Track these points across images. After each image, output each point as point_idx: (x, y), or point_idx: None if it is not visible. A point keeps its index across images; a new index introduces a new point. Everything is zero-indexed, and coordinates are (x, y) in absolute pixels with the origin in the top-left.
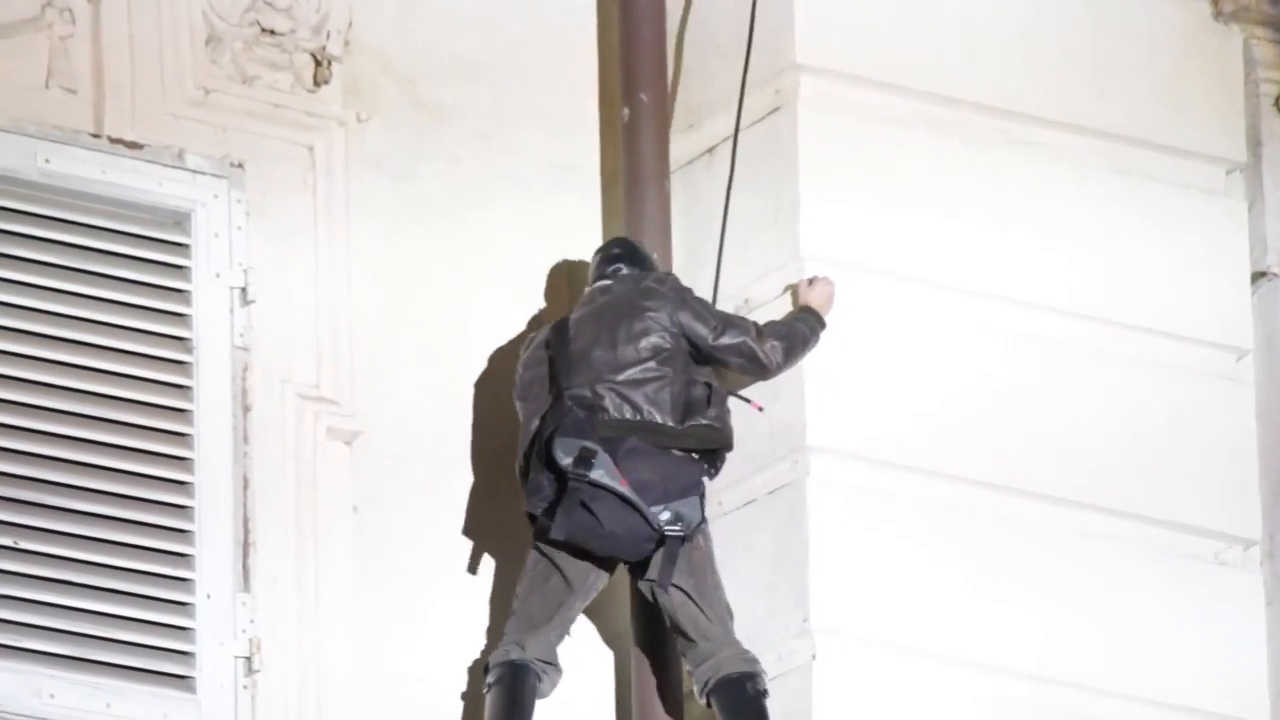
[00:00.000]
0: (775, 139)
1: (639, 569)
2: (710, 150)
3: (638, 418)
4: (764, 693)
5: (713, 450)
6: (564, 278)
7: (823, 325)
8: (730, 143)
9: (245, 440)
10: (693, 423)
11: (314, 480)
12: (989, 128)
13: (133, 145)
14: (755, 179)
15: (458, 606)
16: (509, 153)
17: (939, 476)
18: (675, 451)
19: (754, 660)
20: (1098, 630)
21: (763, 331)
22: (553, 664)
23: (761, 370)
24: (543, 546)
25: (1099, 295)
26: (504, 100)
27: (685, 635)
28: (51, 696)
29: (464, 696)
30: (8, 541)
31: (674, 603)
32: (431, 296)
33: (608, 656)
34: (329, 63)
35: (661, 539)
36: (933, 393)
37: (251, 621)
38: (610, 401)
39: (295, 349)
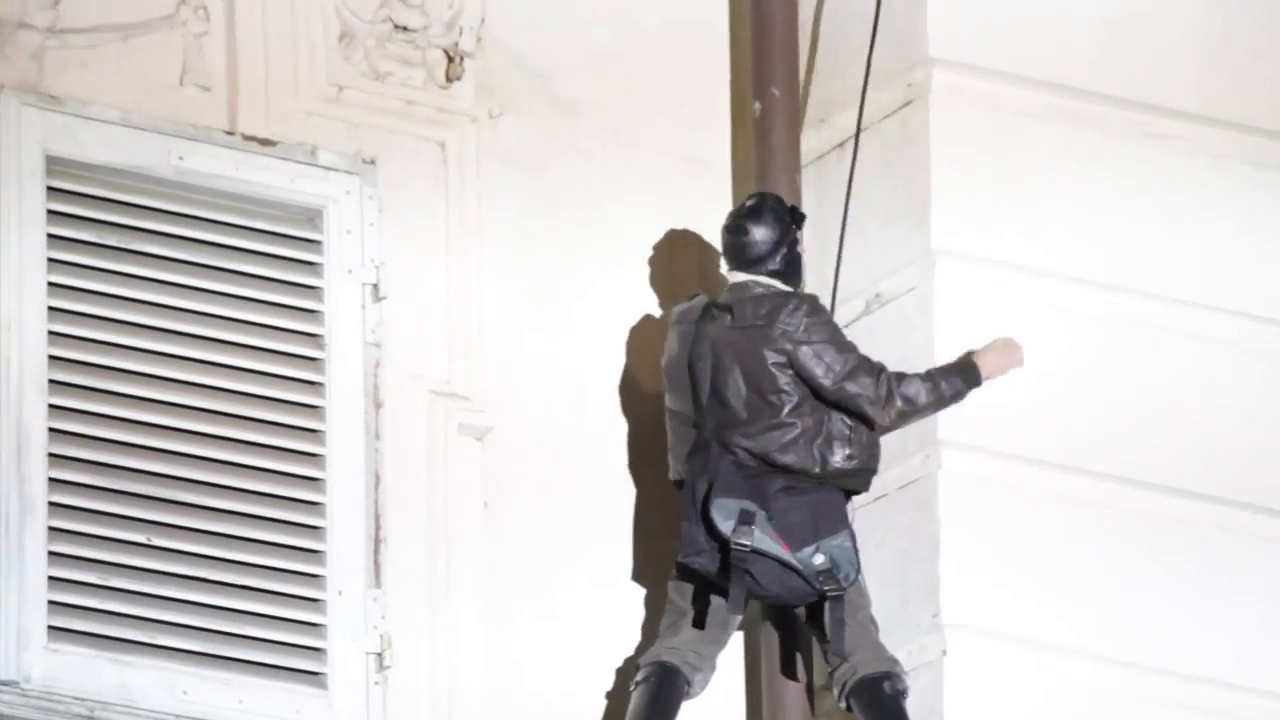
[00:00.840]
0: (907, 132)
1: None
2: (841, 144)
3: (771, 465)
4: (903, 692)
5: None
6: (696, 270)
7: (976, 384)
8: (863, 136)
9: (377, 436)
10: (835, 466)
11: (445, 476)
12: (1122, 120)
13: (265, 142)
14: (887, 172)
15: (589, 603)
16: (640, 147)
17: (1070, 470)
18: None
19: (892, 660)
20: (1231, 624)
21: (891, 386)
22: (703, 668)
23: (870, 424)
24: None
25: (1231, 287)
26: (635, 94)
27: (832, 647)
28: (185, 693)
29: (608, 695)
30: (142, 539)
31: (843, 620)
32: (563, 291)
33: (737, 644)
34: (461, 59)
35: (822, 598)
36: (1065, 387)
37: (383, 618)
38: (749, 449)
39: (427, 345)
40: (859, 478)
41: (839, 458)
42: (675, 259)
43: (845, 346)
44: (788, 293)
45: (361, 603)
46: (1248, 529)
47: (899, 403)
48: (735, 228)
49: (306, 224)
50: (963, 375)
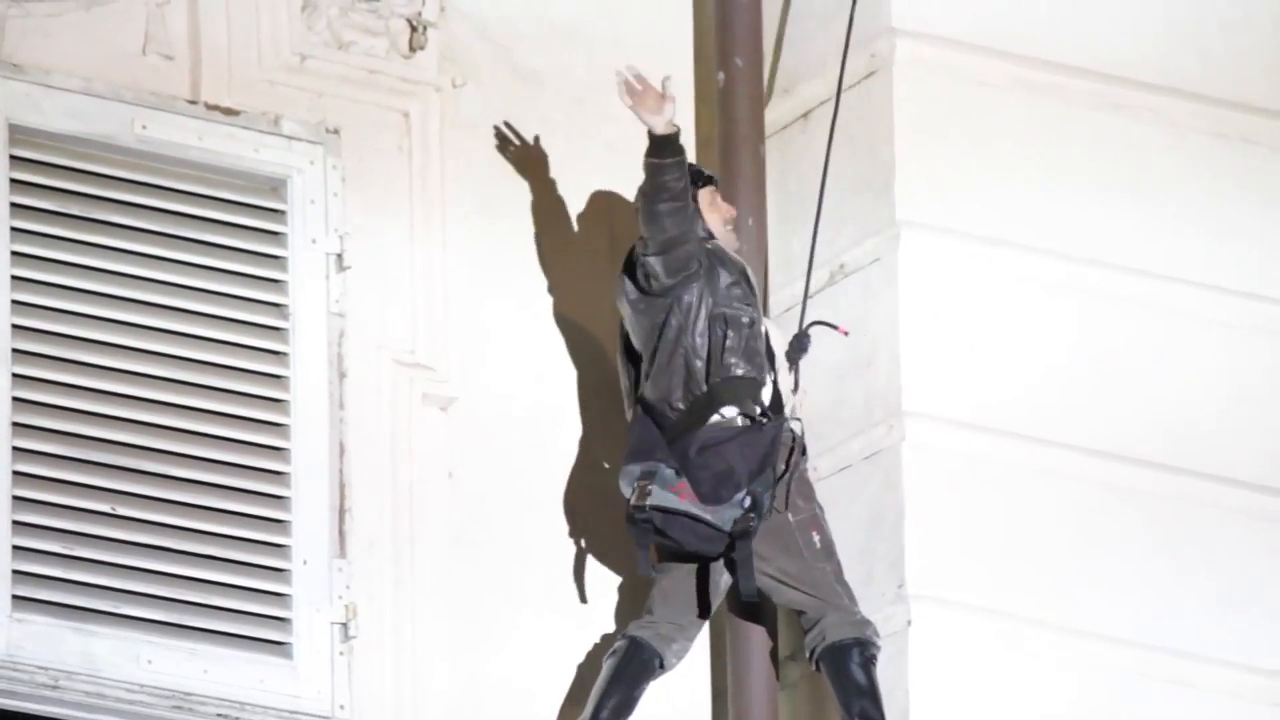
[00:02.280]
0: (871, 103)
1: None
2: (805, 115)
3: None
4: (872, 658)
5: (768, 407)
6: None
7: (658, 152)
8: (826, 107)
9: (341, 406)
10: (720, 378)
11: (410, 446)
12: (1086, 91)
13: (229, 111)
14: (850, 144)
15: (552, 573)
16: (604, 118)
17: (1034, 441)
18: (740, 423)
19: (863, 623)
20: (1193, 595)
21: (637, 251)
22: (679, 638)
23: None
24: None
25: (1195, 259)
26: (599, 65)
27: (799, 608)
28: (149, 662)
29: (566, 665)
30: (106, 508)
31: (766, 591)
32: (527, 261)
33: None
34: (424, 28)
35: (733, 541)
36: (1028, 357)
37: (348, 587)
38: (654, 402)
39: (391, 315)
40: (748, 385)
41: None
42: (638, 229)
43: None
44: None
45: (326, 573)
46: (1210, 500)
47: (643, 229)
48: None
49: (270, 193)
50: (647, 160)
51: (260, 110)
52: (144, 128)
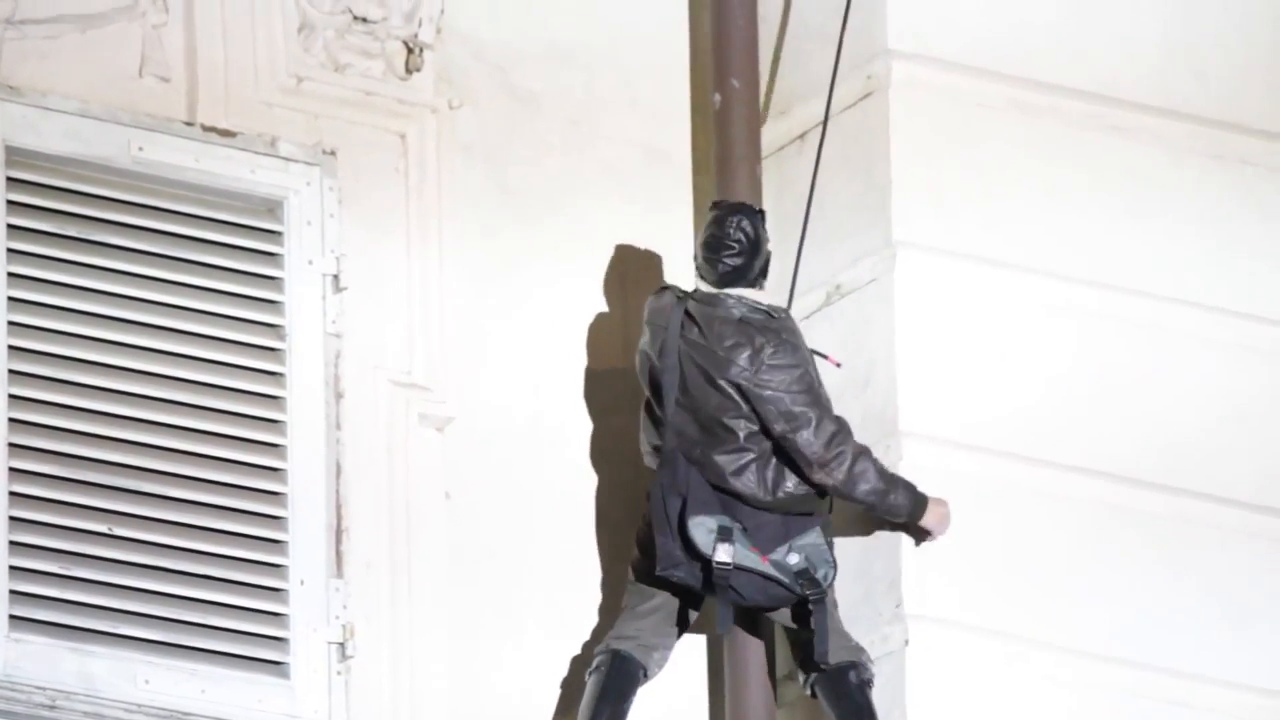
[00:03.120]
0: (867, 124)
1: None
2: (802, 136)
3: (732, 490)
4: (868, 681)
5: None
6: (656, 262)
7: (915, 518)
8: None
9: (338, 427)
10: (786, 492)
11: (406, 466)
12: (1082, 112)
13: (225, 133)
14: (847, 164)
15: (550, 593)
16: (600, 139)
17: (1031, 461)
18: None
19: (858, 648)
20: (1188, 615)
21: (843, 452)
22: (660, 647)
23: (811, 481)
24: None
25: (1192, 280)
26: (596, 86)
27: (792, 640)
28: (146, 682)
29: (563, 684)
30: (103, 528)
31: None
32: (523, 282)
33: (700, 640)
34: (421, 50)
35: (803, 603)
36: (1024, 378)
37: (345, 607)
38: (711, 471)
39: (387, 336)
40: (810, 502)
41: (790, 484)
42: (635, 251)
43: (804, 392)
44: (759, 324)
45: (323, 592)
46: (1207, 520)
47: (841, 474)
48: (714, 244)
49: (267, 215)
50: (912, 500)
51: (257, 132)
52: (140, 149)
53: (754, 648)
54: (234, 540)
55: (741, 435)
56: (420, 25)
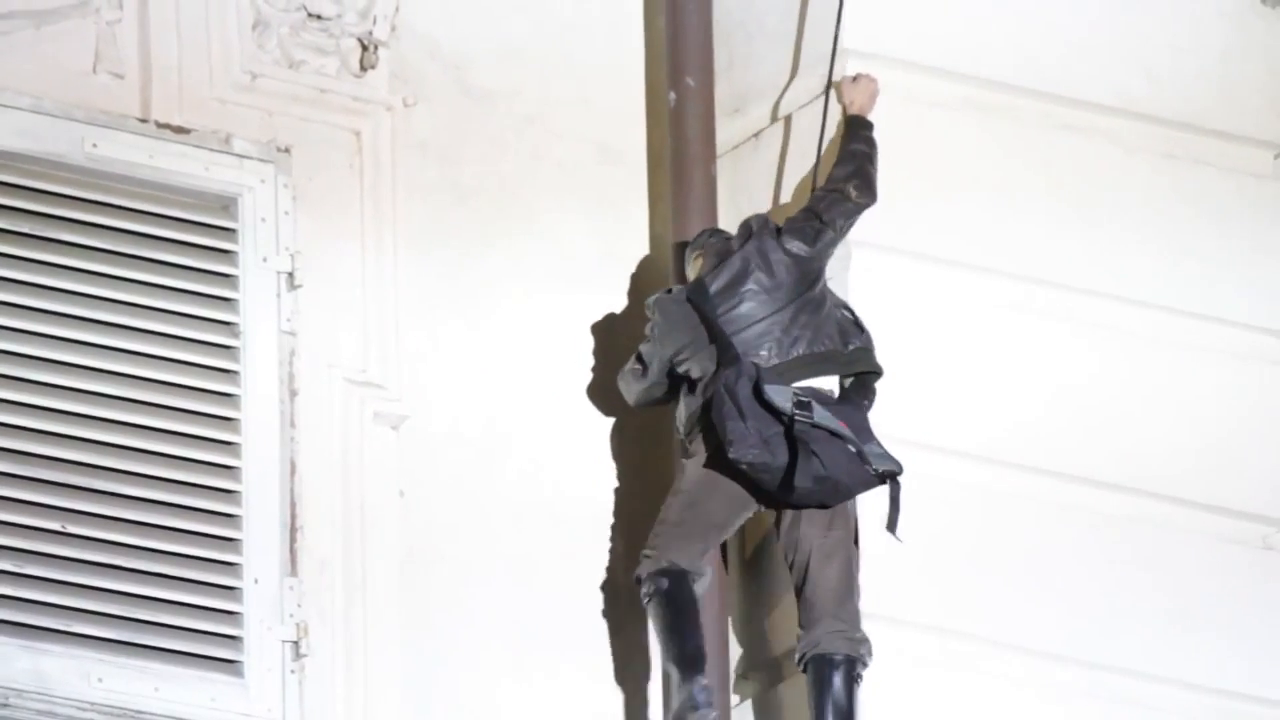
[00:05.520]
0: (820, 123)
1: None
2: (756, 134)
3: (811, 352)
4: (858, 678)
5: (868, 386)
6: (610, 259)
7: (871, 126)
8: (777, 126)
9: (292, 425)
10: (853, 346)
11: (361, 464)
12: (1036, 112)
13: (179, 130)
14: (803, 162)
15: (503, 591)
16: (555, 137)
17: (987, 462)
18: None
19: (859, 641)
20: (1144, 615)
21: (842, 187)
22: (705, 571)
23: (862, 210)
24: (712, 472)
25: (1144, 280)
26: (550, 84)
27: (809, 593)
28: (99, 680)
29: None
30: (56, 526)
31: (828, 548)
32: (478, 280)
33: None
34: (375, 47)
35: (882, 480)
36: (977, 377)
37: (299, 606)
38: (774, 348)
39: (342, 333)
40: (873, 359)
41: (853, 340)
42: (589, 248)
43: (805, 212)
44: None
45: (278, 591)
46: (1159, 520)
47: (852, 184)
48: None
49: (221, 212)
50: (860, 139)
51: (211, 129)
52: (94, 146)
53: (711, 645)
54: (188, 538)
55: (804, 295)
56: (375, 23)
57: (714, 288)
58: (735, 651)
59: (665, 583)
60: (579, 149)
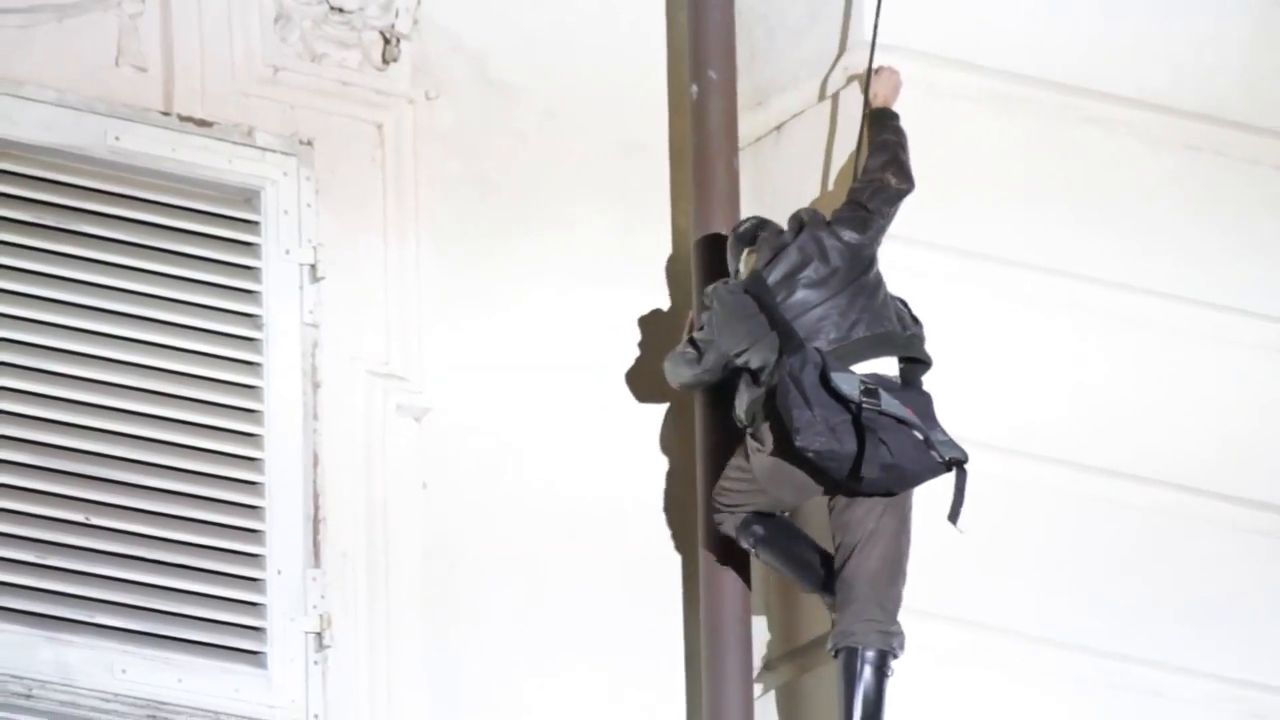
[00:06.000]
0: (845, 115)
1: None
2: (778, 127)
3: (873, 335)
4: (889, 671)
5: (918, 379)
6: (633, 251)
7: (897, 116)
8: (799, 119)
9: (315, 417)
10: (910, 332)
11: (384, 456)
12: (1059, 104)
13: (202, 123)
14: (825, 155)
15: (526, 582)
16: (577, 130)
17: (1006, 452)
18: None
19: (893, 635)
20: (1166, 606)
21: (880, 176)
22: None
23: (905, 196)
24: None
25: (1167, 272)
26: (572, 78)
27: (851, 576)
28: (123, 671)
29: (537, 674)
30: (80, 518)
31: (879, 534)
32: (500, 273)
33: (677, 633)
34: (397, 40)
35: (948, 468)
36: (1001, 369)
37: (322, 597)
38: (833, 334)
39: (364, 326)
40: (922, 347)
41: (909, 329)
42: (611, 241)
43: (851, 203)
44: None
45: (300, 582)
46: (1181, 511)
47: (890, 173)
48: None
49: (244, 205)
50: (889, 129)
51: (233, 122)
52: (117, 139)
53: (732, 645)
54: (211, 530)
55: (860, 282)
56: (397, 16)
57: (772, 279)
58: (760, 642)
59: (760, 530)
60: (601, 142)
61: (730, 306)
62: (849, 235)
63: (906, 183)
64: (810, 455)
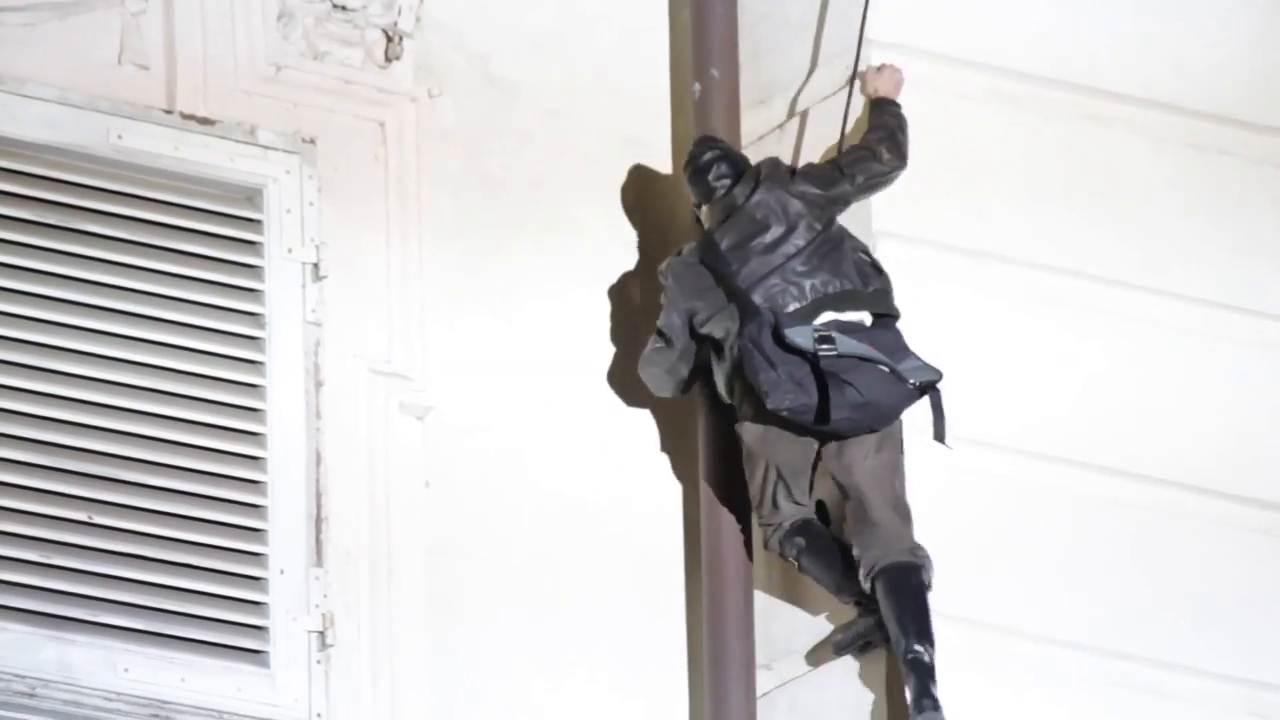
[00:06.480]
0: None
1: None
2: (781, 126)
3: (831, 290)
4: (928, 585)
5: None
6: (635, 249)
7: (899, 105)
8: (800, 117)
9: (318, 416)
10: (873, 288)
11: (386, 455)
12: (1061, 102)
13: (205, 121)
14: (827, 153)
15: (528, 582)
16: (580, 128)
17: (1010, 451)
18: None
19: (925, 557)
20: (1172, 605)
21: (872, 147)
22: (810, 513)
23: (894, 177)
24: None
25: (1170, 271)
26: (575, 76)
27: (865, 515)
28: (126, 670)
29: (542, 673)
30: (83, 516)
31: (878, 470)
32: (503, 271)
33: (680, 632)
34: (400, 39)
35: (922, 392)
36: (1004, 367)
37: (325, 596)
38: (794, 294)
39: (367, 324)
40: (891, 302)
41: (873, 282)
42: (614, 239)
43: (831, 162)
44: (765, 161)
45: (303, 581)
46: (1185, 510)
47: (884, 148)
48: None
49: (246, 203)
50: (890, 113)
51: (236, 120)
52: (119, 137)
53: (733, 643)
54: (214, 529)
55: (822, 237)
56: (400, 14)
57: (725, 244)
58: (762, 642)
59: (802, 541)
60: (604, 140)
61: (685, 281)
62: (807, 188)
63: (899, 159)
64: (784, 413)
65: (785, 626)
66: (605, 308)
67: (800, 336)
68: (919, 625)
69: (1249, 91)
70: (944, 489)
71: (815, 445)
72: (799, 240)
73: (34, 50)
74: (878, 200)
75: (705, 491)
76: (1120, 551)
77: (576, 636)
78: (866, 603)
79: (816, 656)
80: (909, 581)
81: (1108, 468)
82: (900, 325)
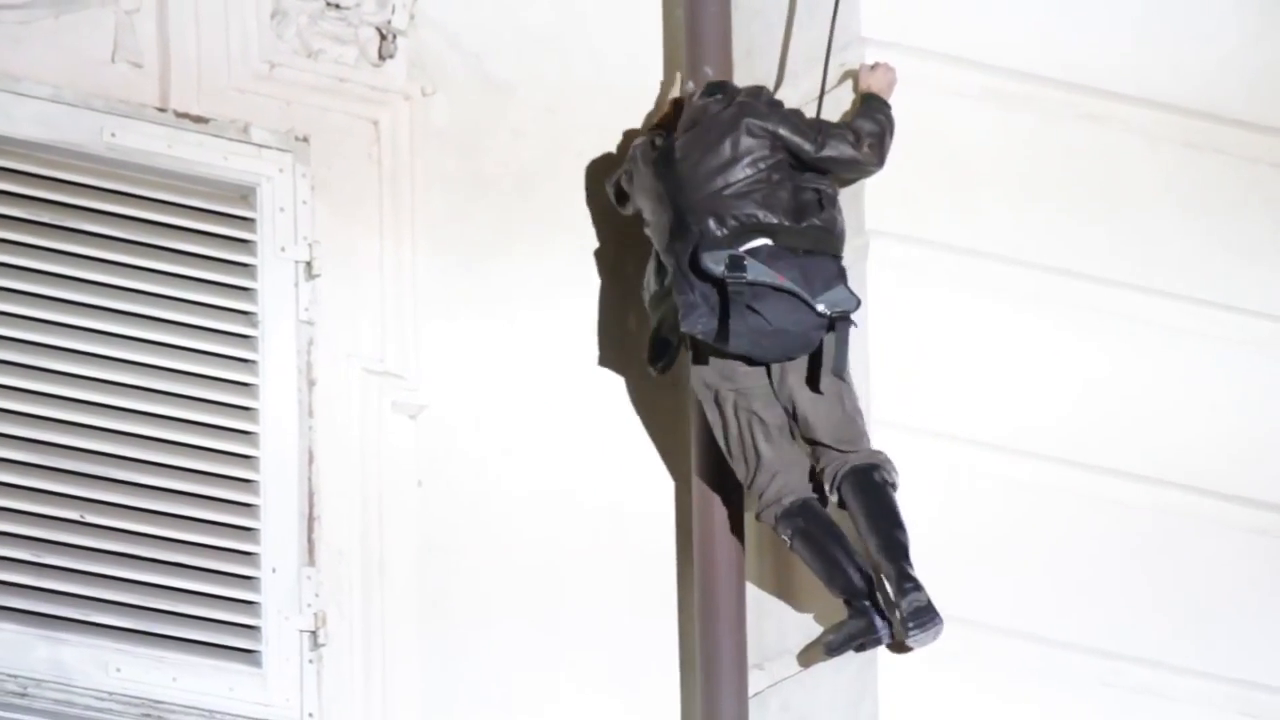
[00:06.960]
0: (840, 111)
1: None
2: None
3: (754, 221)
4: (893, 484)
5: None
6: (630, 248)
7: (889, 106)
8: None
9: (310, 415)
10: (806, 223)
11: (379, 455)
12: (1057, 101)
13: (198, 119)
14: None
15: (521, 581)
16: (575, 127)
17: (1003, 451)
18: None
19: (879, 452)
20: (1169, 606)
21: (858, 129)
22: (813, 490)
23: (864, 173)
24: (709, 389)
25: (1166, 270)
26: (570, 74)
27: (817, 439)
28: (117, 670)
29: (535, 672)
30: (75, 515)
31: (822, 399)
32: (496, 271)
33: (672, 632)
34: (394, 37)
35: (831, 325)
36: (998, 367)
37: (316, 595)
38: (727, 214)
39: (360, 323)
40: (825, 239)
41: (811, 218)
42: (609, 237)
43: (812, 120)
44: (752, 87)
45: (295, 580)
46: (1179, 509)
47: (867, 139)
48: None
49: (239, 201)
50: (881, 110)
51: (229, 118)
52: (113, 135)
53: (725, 641)
54: (206, 528)
55: (765, 164)
56: (393, 12)
57: (679, 154)
58: (752, 642)
59: (800, 522)
60: (598, 138)
61: (640, 178)
62: (775, 123)
63: (874, 156)
64: (699, 336)
65: (777, 626)
66: (598, 307)
67: (713, 261)
68: (890, 518)
69: (1246, 91)
70: (941, 489)
71: (765, 380)
72: (746, 169)
73: (28, 48)
74: (871, 199)
75: (697, 491)
76: (1118, 552)
77: (568, 635)
78: (857, 601)
79: (808, 656)
80: (870, 479)
81: (1104, 468)
82: (893, 325)
